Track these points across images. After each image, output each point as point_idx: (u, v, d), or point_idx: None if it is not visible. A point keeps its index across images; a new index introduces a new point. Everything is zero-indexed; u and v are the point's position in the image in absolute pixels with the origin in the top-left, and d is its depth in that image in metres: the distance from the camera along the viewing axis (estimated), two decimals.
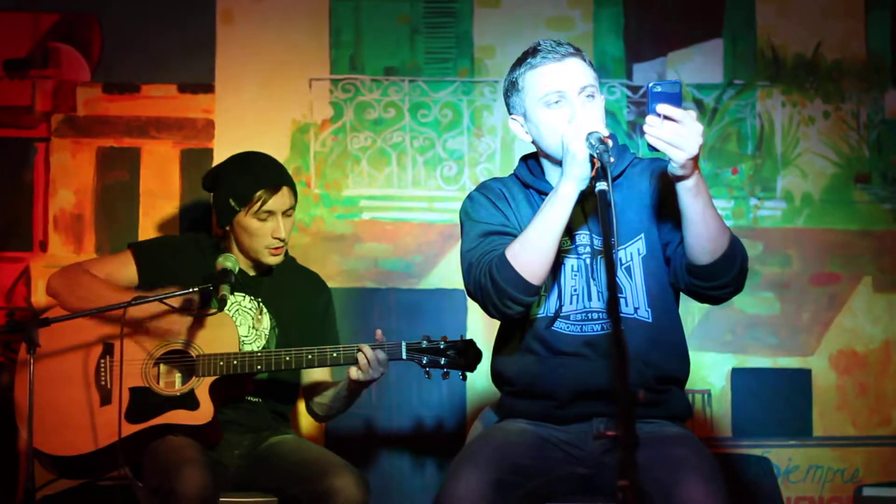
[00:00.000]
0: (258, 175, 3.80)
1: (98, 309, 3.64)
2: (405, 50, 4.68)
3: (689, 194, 2.88)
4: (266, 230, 3.81)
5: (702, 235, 2.93)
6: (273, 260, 3.87)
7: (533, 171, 3.26)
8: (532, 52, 3.13)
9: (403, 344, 3.66)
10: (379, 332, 3.66)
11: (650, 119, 2.79)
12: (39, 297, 4.45)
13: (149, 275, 3.85)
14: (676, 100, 2.78)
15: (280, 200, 3.79)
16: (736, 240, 2.99)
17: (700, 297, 3.11)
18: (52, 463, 3.70)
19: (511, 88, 3.18)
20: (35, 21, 4.60)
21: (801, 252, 4.71)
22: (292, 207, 3.85)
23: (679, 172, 2.84)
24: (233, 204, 3.80)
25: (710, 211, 2.91)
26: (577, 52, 3.12)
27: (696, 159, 2.82)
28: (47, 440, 3.63)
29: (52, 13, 4.60)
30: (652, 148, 2.80)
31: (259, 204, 3.77)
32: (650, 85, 2.79)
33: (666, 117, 2.77)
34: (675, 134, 2.77)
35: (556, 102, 3.07)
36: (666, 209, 3.11)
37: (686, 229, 2.95)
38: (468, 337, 3.70)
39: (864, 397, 4.67)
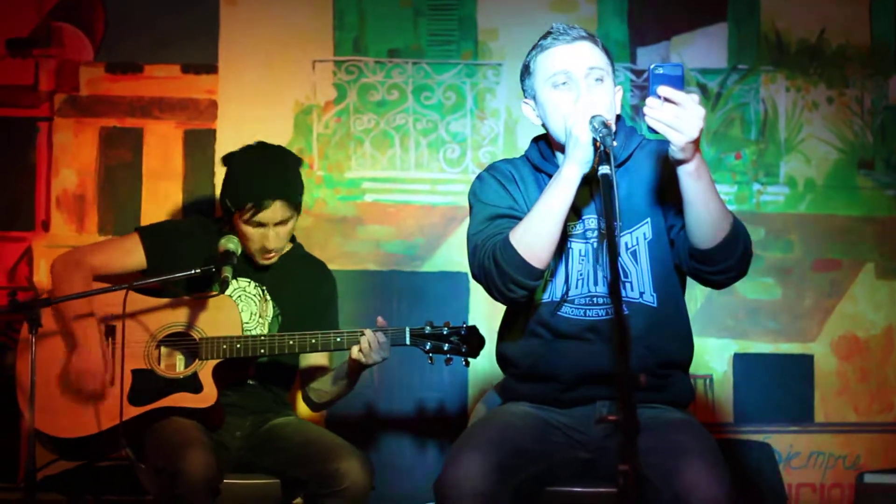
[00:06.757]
0: (254, 185, 3.73)
1: (100, 290, 3.65)
2: (409, 32, 4.67)
3: (689, 178, 2.86)
4: (257, 237, 3.78)
5: (703, 219, 2.92)
6: (265, 263, 3.85)
7: (543, 153, 3.23)
8: (545, 35, 3.13)
9: (407, 329, 3.65)
10: (380, 318, 3.65)
11: (650, 101, 2.77)
12: (42, 277, 4.45)
13: (157, 259, 3.83)
14: (678, 82, 2.76)
15: (270, 214, 3.73)
16: (739, 224, 2.97)
17: (703, 281, 3.10)
18: (52, 444, 3.70)
19: (525, 71, 3.17)
20: (38, 0, 4.59)
21: (804, 238, 4.70)
22: (288, 219, 3.78)
23: (679, 156, 2.83)
24: (228, 204, 3.79)
25: (712, 195, 2.89)
26: (590, 36, 3.11)
27: (696, 143, 2.80)
28: (50, 421, 3.64)
29: None
30: (652, 130, 2.80)
31: (249, 214, 3.74)
32: (651, 67, 2.78)
33: (666, 100, 2.76)
34: (675, 117, 2.75)
35: (563, 84, 3.05)
36: (671, 192, 3.08)
37: (687, 213, 2.93)
38: (471, 320, 3.69)
39: (866, 383, 4.67)
